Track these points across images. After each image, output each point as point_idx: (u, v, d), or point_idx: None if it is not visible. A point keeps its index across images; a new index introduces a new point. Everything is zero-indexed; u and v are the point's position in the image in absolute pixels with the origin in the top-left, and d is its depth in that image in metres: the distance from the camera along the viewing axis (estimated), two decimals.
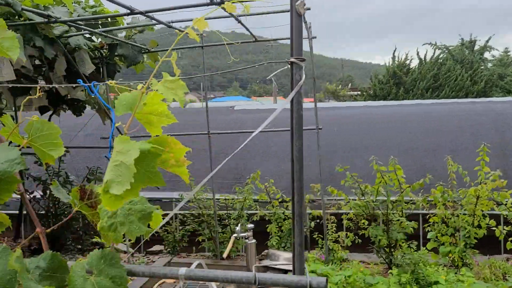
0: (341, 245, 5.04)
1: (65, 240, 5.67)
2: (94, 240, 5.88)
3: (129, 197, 1.09)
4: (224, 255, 3.58)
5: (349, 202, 4.78)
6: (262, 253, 5.21)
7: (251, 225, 3.71)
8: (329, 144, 9.17)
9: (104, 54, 5.06)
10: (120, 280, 1.11)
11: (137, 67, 5.61)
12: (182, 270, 1.12)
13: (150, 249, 5.85)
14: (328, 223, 5.09)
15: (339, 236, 5.05)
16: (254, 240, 3.67)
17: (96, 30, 4.35)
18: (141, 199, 1.18)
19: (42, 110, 5.48)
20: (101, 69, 5.19)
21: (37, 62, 4.73)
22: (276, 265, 4.80)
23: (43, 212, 5.88)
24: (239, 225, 3.74)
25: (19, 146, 1.22)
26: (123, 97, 1.21)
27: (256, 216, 5.43)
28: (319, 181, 4.94)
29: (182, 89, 1.19)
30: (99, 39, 4.79)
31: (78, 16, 4.57)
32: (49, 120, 5.70)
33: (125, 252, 5.81)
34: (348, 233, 4.99)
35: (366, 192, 4.74)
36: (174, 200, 6.33)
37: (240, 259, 5.37)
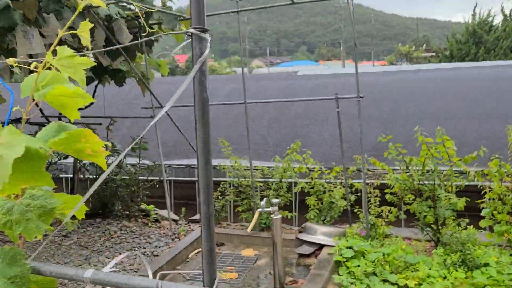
0: (384, 220, 4.73)
1: (112, 207, 5.91)
2: (142, 206, 6.08)
3: (7, 192, 0.98)
4: (248, 230, 3.48)
5: (389, 174, 4.43)
6: (301, 226, 5.05)
7: (276, 200, 3.55)
8: (389, 113, 8.64)
9: (141, 23, 5.02)
10: (22, 280, 1.02)
11: (178, 37, 5.53)
12: (88, 273, 1.00)
13: (192, 218, 5.93)
14: (371, 196, 4.78)
15: (382, 211, 4.74)
16: (279, 216, 3.52)
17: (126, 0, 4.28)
18: (44, 193, 1.06)
19: (88, 80, 5.62)
20: (139, 38, 5.17)
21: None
22: (312, 239, 4.64)
23: (92, 177, 6.16)
24: (264, 199, 3.59)
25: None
26: (30, 79, 1.08)
27: (297, 188, 5.24)
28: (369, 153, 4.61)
29: (82, 67, 1.03)
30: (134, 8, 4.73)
31: None
32: (95, 90, 5.86)
33: (169, 219, 5.95)
34: (391, 208, 4.66)
35: (411, 164, 4.35)
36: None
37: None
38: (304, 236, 4.70)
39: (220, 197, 5.52)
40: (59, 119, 6.06)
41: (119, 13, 4.35)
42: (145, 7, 4.57)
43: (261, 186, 5.32)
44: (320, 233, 4.63)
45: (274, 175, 5.28)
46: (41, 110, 6.04)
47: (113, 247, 4.96)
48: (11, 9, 3.07)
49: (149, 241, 5.16)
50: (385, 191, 4.70)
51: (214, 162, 6.32)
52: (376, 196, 4.82)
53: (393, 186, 4.57)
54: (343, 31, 58.44)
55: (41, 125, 6.22)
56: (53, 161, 6.22)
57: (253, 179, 5.15)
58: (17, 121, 6.37)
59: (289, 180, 5.30)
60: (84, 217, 1.23)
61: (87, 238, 5.21)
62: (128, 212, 5.92)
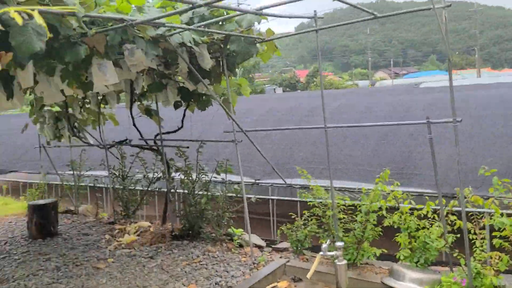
0: (493, 269, 3.88)
1: (200, 229, 5.94)
2: (229, 230, 6.01)
3: None
4: (308, 276, 3.09)
5: (496, 215, 3.61)
6: (389, 268, 4.42)
7: (340, 243, 3.10)
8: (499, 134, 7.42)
9: (222, 47, 4.99)
10: None
11: (263, 57, 5.37)
12: None
13: (277, 246, 5.66)
14: (475, 239, 3.97)
15: (491, 257, 3.90)
16: (344, 262, 3.07)
17: (196, 28, 4.25)
18: None
19: (176, 105, 5.78)
20: (221, 62, 5.15)
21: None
22: (399, 286, 4.02)
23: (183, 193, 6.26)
24: (327, 241, 3.16)
25: None
26: None
27: (389, 221, 4.64)
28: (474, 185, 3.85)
29: None
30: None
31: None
32: (184, 115, 6.00)
33: (256, 246, 5.77)
34: (502, 254, 3.80)
35: None
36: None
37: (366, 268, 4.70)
38: (390, 282, 4.09)
39: (303, 226, 5.17)
40: (155, 142, 6.34)
41: (194, 40, 4.34)
42: (219, 32, 4.52)
43: (344, 218, 4.82)
44: (409, 280, 3.98)
45: (361, 206, 4.75)
46: (140, 133, 6.39)
47: (191, 273, 4.92)
48: (76, 44, 3.21)
49: (227, 269, 5.02)
50: (493, 234, 3.87)
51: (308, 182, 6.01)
52: (483, 238, 4.00)
53: (504, 229, 3.73)
54: (478, 37, 53.14)
55: (140, 147, 6.60)
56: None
57: (335, 210, 4.69)
58: (121, 142, 6.86)
59: (378, 211, 4.71)
60: None
61: (170, 261, 5.27)
62: (214, 235, 5.89)
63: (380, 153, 8.84)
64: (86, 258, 5.46)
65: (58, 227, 6.80)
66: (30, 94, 6.22)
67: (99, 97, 6.79)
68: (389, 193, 4.52)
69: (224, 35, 4.75)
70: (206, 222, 5.93)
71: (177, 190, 6.28)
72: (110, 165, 7.06)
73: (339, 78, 59.12)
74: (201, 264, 5.17)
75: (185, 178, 5.99)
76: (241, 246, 5.75)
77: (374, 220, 4.73)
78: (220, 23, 4.74)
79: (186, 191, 6.00)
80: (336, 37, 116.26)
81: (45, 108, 7.73)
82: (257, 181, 9.24)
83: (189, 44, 4.23)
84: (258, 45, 5.03)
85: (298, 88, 51.49)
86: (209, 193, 5.88)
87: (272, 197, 9.04)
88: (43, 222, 6.24)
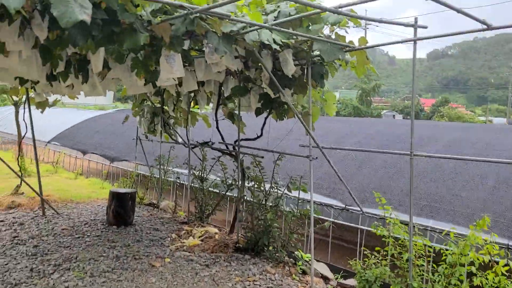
0: None
1: (263, 245, 5.54)
2: (296, 253, 5.52)
3: None
4: None
5: None
6: None
7: None
8: None
9: (307, 52, 4.58)
10: None
11: (358, 70, 4.82)
12: None
13: (343, 282, 5.00)
14: None
15: None
16: None
17: (277, 28, 3.90)
18: None
19: (257, 111, 5.49)
20: (305, 70, 4.73)
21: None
22: None
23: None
24: None
25: None
26: None
27: (480, 281, 3.73)
28: None
29: None
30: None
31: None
32: (264, 123, 5.69)
33: (322, 276, 5.20)
34: None
35: None
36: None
37: None
38: None
39: (374, 265, 4.46)
40: (233, 148, 6.13)
41: (274, 40, 3.98)
42: (303, 35, 4.11)
43: (423, 265, 4.01)
44: None
45: (447, 255, 3.91)
46: (221, 136, 6.25)
47: None
48: (137, 32, 3.08)
49: None
50: None
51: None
52: None
53: None
54: None
55: (219, 150, 6.46)
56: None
57: (412, 254, 3.93)
58: (203, 144, 6.80)
59: (468, 267, 3.83)
60: None
61: (224, 274, 4.96)
62: (278, 255, 5.44)
63: (497, 198, 7.54)
64: (146, 253, 5.42)
65: (136, 217, 6.96)
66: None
67: (190, 97, 6.85)
68: (483, 245, 3.63)
69: (310, 40, 4.34)
70: (271, 240, 5.51)
71: (248, 198, 5.97)
72: (193, 165, 7.05)
73: (470, 112, 54.01)
74: (255, 284, 4.76)
75: (257, 189, 5.65)
76: (304, 272, 5.21)
77: (461, 275, 3.86)
78: (306, 25, 4.34)
79: (255, 202, 5.66)
80: (473, 67, 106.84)
81: (146, 102, 8.10)
82: (347, 207, 8.56)
83: (266, 42, 3.89)
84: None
85: (421, 117, 48.17)
86: (278, 209, 5.47)
87: (361, 227, 8.27)
88: (119, 210, 6.42)
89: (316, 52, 4.40)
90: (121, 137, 14.15)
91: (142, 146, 8.35)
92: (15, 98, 9.50)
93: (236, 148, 5.99)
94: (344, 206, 8.07)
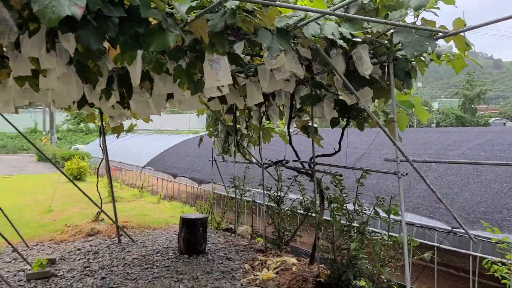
0: None
1: (348, 281, 4.66)
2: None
3: None
4: None
5: None
6: None
7: None
8: None
9: (387, 48, 3.74)
10: None
11: (455, 64, 3.86)
12: None
13: None
14: None
15: None
16: None
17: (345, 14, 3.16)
18: None
19: (333, 122, 4.70)
20: (386, 68, 3.88)
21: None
22: None
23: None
24: None
25: None
26: None
27: None
28: None
29: None
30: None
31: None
32: (342, 135, 4.89)
33: None
34: None
35: None
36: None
37: None
38: None
39: None
40: (309, 166, 5.40)
41: (342, 35, 3.23)
42: (380, 22, 3.29)
43: None
44: None
45: None
46: (296, 153, 5.56)
47: None
48: (166, 31, 2.56)
49: None
50: None
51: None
52: None
53: None
54: None
55: (294, 169, 5.74)
56: None
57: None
58: (278, 162, 6.15)
59: None
60: None
61: None
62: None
63: None
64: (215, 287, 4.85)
65: (210, 245, 6.48)
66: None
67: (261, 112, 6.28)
68: None
69: (390, 31, 3.52)
70: (357, 274, 4.62)
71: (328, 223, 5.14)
72: (268, 186, 6.42)
73: None
74: None
75: (338, 213, 4.82)
76: None
77: None
78: (385, 14, 3.54)
79: (337, 229, 4.83)
80: None
81: (220, 121, 7.71)
82: (453, 230, 7.28)
83: (330, 37, 3.15)
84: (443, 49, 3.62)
85: None
86: (364, 236, 4.58)
87: (473, 253, 6.95)
88: (190, 237, 5.97)
89: (395, 38, 3.53)
90: (207, 159, 14.20)
91: (218, 168, 7.94)
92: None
93: (312, 165, 5.24)
94: (450, 228, 6.83)
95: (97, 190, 7.32)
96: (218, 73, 3.14)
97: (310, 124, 5.32)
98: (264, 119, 6.33)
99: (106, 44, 3.01)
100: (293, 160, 5.57)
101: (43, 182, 13.74)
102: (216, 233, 7.40)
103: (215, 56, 3.10)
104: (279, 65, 3.68)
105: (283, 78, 4.16)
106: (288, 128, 5.54)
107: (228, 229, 7.62)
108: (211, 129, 7.81)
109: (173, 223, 8.08)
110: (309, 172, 5.45)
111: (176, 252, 6.18)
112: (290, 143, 5.57)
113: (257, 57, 4.31)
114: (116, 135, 7.17)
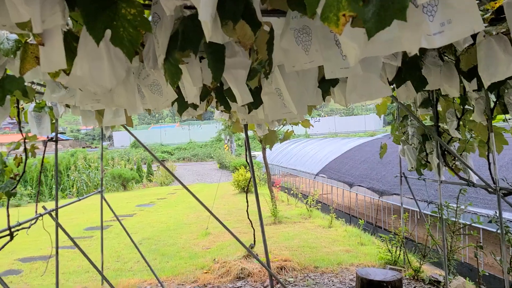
0: None
1: None
2: None
3: None
4: None
5: None
6: None
7: None
8: None
9: None
10: None
11: None
12: None
13: None
14: None
15: None
16: None
17: None
18: None
19: None
20: None
21: None
22: None
23: None
24: None
25: None
26: None
27: None
28: None
29: None
30: None
31: None
32: None
33: None
34: None
35: None
36: None
37: None
38: None
39: None
40: None
41: None
42: None
43: None
44: None
45: None
46: None
47: None
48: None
49: None
50: None
51: None
52: None
53: None
54: None
55: None
56: None
57: None
58: None
59: None
60: None
61: None
62: None
63: None
64: None
65: None
66: None
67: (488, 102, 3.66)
68: None
69: None
70: None
71: None
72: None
73: None
74: None
75: None
76: None
77: None
78: None
79: None
80: None
81: (410, 120, 5.27)
82: None
83: None
84: None
85: None
86: None
87: None
88: None
89: None
90: (389, 166, 11.81)
91: (410, 187, 5.47)
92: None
93: None
94: None
95: (248, 215, 5.67)
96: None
97: None
98: (495, 112, 3.70)
99: None
100: None
101: (216, 193, 13.20)
102: (415, 287, 4.94)
103: None
104: None
105: None
106: None
107: (435, 282, 5.05)
108: (397, 132, 5.42)
109: (349, 263, 5.88)
110: None
111: None
112: None
113: None
114: (268, 146, 5.44)
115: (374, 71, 1.94)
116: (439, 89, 3.84)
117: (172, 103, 2.39)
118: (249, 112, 2.54)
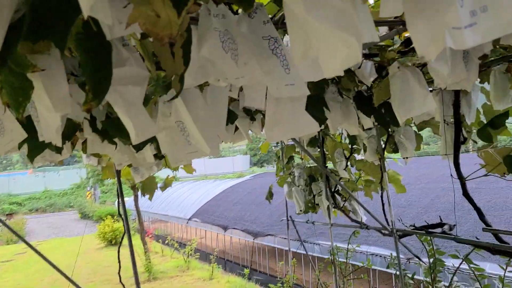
0: None
1: None
2: None
3: None
4: None
5: None
6: None
7: None
8: None
9: None
10: None
11: None
12: None
13: None
14: None
15: None
16: None
17: None
18: None
19: None
20: None
21: None
22: None
23: None
24: None
25: None
26: None
27: None
28: None
29: None
30: None
31: None
32: None
33: None
34: None
35: None
36: None
37: None
38: None
39: None
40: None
41: None
42: None
43: None
44: None
45: None
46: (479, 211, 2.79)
47: None
48: None
49: None
50: None
51: None
52: None
53: None
54: None
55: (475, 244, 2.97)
56: None
57: None
58: (427, 230, 3.49)
59: None
60: None
61: None
62: None
63: None
64: None
65: None
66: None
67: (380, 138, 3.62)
68: None
69: None
70: None
71: None
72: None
73: None
74: None
75: None
76: None
77: None
78: None
79: None
80: None
81: (296, 162, 5.11)
82: None
83: None
84: None
85: None
86: None
87: None
88: None
89: None
90: (262, 207, 11.85)
91: (297, 231, 5.25)
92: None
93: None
94: None
95: (120, 278, 4.78)
96: None
97: None
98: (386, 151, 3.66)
99: None
100: (484, 229, 2.80)
101: (76, 250, 11.53)
102: None
103: None
104: None
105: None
106: (457, 164, 2.84)
107: None
108: (281, 173, 5.20)
109: None
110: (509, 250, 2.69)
111: None
112: (465, 193, 2.83)
113: None
114: (148, 196, 4.66)
115: (299, 100, 1.55)
116: (327, 128, 3.69)
117: (20, 146, 1.66)
118: (137, 151, 1.91)
